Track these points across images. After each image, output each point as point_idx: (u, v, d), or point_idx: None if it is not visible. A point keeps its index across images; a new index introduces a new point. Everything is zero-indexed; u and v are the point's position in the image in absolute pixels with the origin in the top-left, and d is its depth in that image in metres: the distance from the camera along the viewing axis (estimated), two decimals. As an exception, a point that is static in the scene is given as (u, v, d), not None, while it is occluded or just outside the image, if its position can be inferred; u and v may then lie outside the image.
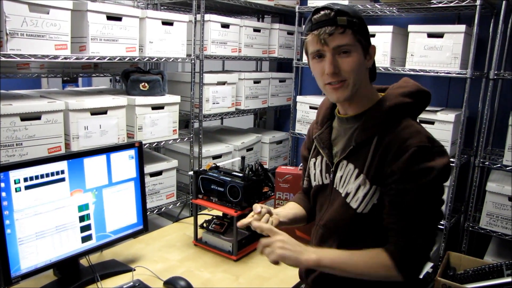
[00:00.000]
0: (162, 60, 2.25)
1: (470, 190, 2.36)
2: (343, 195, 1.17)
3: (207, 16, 2.52)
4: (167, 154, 2.85)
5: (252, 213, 1.19)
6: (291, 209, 1.38)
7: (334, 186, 1.21)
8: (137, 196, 1.58)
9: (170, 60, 2.29)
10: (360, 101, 1.16)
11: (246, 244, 1.74)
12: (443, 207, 1.16)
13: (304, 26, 1.15)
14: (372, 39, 1.26)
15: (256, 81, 3.08)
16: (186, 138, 2.50)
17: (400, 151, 1.05)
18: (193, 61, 2.44)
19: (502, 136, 2.48)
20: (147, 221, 1.63)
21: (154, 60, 2.20)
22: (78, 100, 1.92)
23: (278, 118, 3.80)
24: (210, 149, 2.78)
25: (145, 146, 2.21)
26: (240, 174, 1.73)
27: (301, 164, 1.78)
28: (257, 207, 1.21)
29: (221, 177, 1.69)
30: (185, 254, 1.70)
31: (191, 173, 1.79)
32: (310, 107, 2.89)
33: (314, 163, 1.30)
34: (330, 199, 1.23)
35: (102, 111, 1.99)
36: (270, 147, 3.34)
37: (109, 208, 1.48)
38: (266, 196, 1.80)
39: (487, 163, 2.26)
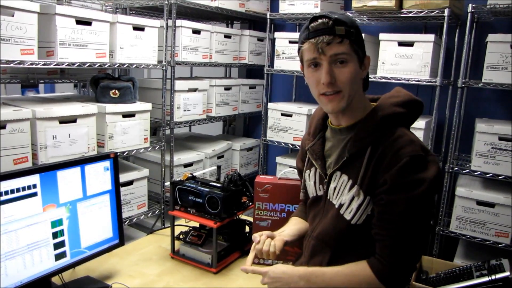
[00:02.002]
0: (133, 67, 2.17)
1: (440, 195, 2.43)
2: (336, 206, 1.16)
3: (178, 22, 2.47)
4: (137, 162, 2.76)
5: (252, 246, 1.24)
6: (294, 224, 1.37)
7: (328, 197, 1.20)
8: (113, 209, 1.50)
9: (141, 66, 2.22)
10: (353, 111, 1.14)
11: (225, 255, 1.70)
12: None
13: (300, 33, 1.14)
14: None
15: (227, 88, 3.05)
16: (158, 147, 2.43)
17: (393, 161, 1.03)
18: (164, 68, 2.38)
19: (466, 141, 2.58)
20: (123, 235, 1.56)
21: (125, 66, 2.12)
22: (46, 108, 1.82)
23: (248, 124, 3.78)
24: (181, 157, 2.72)
25: (116, 156, 2.13)
26: (218, 185, 1.69)
27: (281, 173, 1.77)
28: (255, 237, 1.24)
29: (199, 187, 1.65)
30: (162, 267, 1.64)
31: (168, 183, 1.73)
32: (282, 114, 2.89)
33: (309, 175, 1.29)
34: (323, 210, 1.21)
35: (71, 120, 1.89)
36: (241, 154, 3.31)
37: (84, 223, 1.39)
38: (245, 206, 1.77)
39: (456, 168, 2.33)
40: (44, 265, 1.28)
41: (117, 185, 1.51)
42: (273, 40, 3.01)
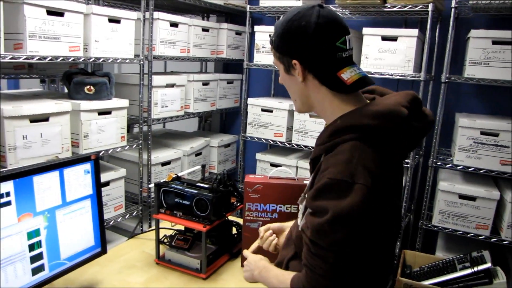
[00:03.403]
0: (109, 61, 2.04)
1: (423, 189, 2.44)
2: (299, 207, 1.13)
3: (156, 14, 2.35)
4: (111, 162, 2.63)
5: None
6: None
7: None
8: (94, 215, 1.39)
9: (118, 60, 2.09)
10: (322, 114, 1.07)
11: (213, 259, 1.63)
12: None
13: None
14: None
15: (205, 83, 2.95)
16: (135, 145, 2.31)
17: (318, 179, 0.94)
18: (141, 62, 2.26)
19: (446, 135, 2.60)
20: (106, 243, 1.45)
21: (100, 60, 1.99)
22: (15, 105, 1.67)
23: (225, 120, 3.69)
24: (158, 156, 2.61)
25: (92, 156, 2.00)
26: (206, 185, 1.61)
27: (272, 172, 1.70)
28: (260, 231, 1.32)
29: (186, 189, 1.56)
30: (148, 275, 1.55)
31: (152, 185, 1.64)
32: (262, 110, 2.82)
33: None
34: None
35: (43, 118, 1.75)
36: (219, 151, 3.23)
37: (64, 232, 1.28)
38: (233, 207, 1.69)
39: (440, 163, 2.34)
40: (19, 282, 1.16)
41: (98, 189, 1.40)
42: (251, 34, 2.93)
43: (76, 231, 1.33)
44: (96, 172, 1.39)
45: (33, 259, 1.20)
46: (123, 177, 2.32)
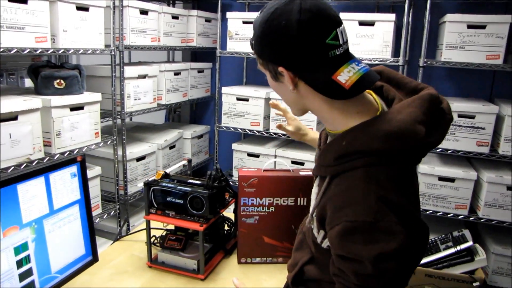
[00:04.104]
0: (80, 52, 1.89)
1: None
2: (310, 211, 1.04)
3: (125, 1, 2.20)
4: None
5: None
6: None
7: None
8: (83, 221, 1.29)
9: (88, 51, 1.94)
10: (321, 121, 0.97)
11: (209, 258, 1.56)
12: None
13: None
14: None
15: (176, 73, 2.83)
16: (110, 141, 2.17)
17: (333, 219, 0.84)
18: (112, 53, 2.11)
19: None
20: (97, 250, 1.35)
21: (70, 52, 1.84)
22: (-21, 105, 1.51)
23: (195, 110, 3.58)
24: (133, 151, 2.49)
25: (66, 155, 1.86)
26: (198, 182, 1.53)
27: (266, 164, 1.64)
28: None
29: (179, 187, 1.47)
30: (142, 280, 1.45)
31: (141, 185, 1.54)
32: (238, 99, 2.75)
33: None
34: None
35: (12, 117, 1.60)
36: (192, 142, 3.13)
37: (53, 243, 1.17)
38: (226, 202, 1.63)
39: (419, 146, 2.37)
40: (10, 301, 1.05)
41: (86, 193, 1.29)
42: (222, 20, 2.83)
43: (66, 241, 1.22)
44: (83, 175, 1.28)
45: (22, 277, 1.08)
46: (99, 175, 2.19)
